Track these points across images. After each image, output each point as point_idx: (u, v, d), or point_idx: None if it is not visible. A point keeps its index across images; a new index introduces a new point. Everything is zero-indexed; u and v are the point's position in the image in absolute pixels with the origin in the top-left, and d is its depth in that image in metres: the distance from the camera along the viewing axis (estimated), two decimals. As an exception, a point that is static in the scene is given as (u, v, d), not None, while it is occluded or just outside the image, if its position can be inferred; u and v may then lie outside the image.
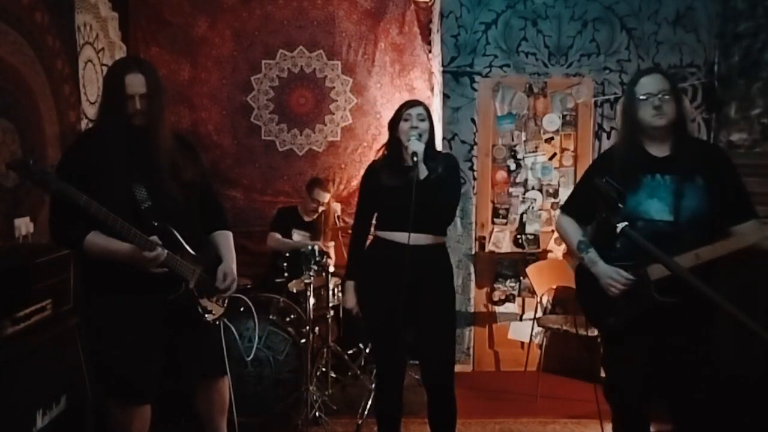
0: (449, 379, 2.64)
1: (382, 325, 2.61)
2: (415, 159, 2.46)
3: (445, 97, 4.22)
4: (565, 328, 3.82)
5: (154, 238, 2.15)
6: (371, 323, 2.71)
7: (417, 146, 2.48)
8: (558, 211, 2.70)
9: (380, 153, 2.74)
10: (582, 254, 2.35)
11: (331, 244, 4.22)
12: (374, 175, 2.67)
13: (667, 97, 2.21)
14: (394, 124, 2.63)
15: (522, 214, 4.29)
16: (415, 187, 2.41)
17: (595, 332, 3.41)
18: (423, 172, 2.48)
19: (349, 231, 4.38)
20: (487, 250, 4.30)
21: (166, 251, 2.17)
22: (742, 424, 2.89)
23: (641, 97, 2.23)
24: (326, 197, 4.12)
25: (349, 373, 3.84)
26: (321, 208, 4.15)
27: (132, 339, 2.22)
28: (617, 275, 2.23)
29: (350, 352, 3.93)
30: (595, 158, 2.69)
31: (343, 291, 2.84)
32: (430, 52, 4.44)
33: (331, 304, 3.65)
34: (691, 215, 2.18)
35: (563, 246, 4.09)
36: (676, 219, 2.18)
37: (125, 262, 2.14)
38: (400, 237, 2.50)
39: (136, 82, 2.18)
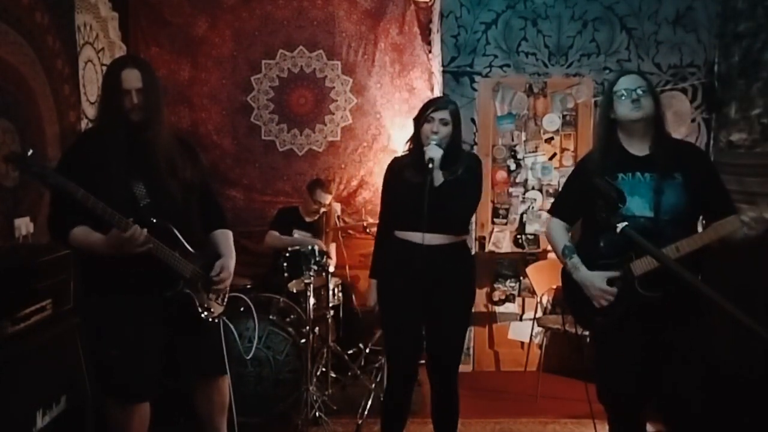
0: (453, 375, 2.66)
1: (398, 323, 2.61)
2: (430, 166, 2.42)
3: (445, 97, 4.22)
4: (565, 328, 3.82)
5: (131, 220, 2.12)
6: (388, 321, 2.70)
7: (434, 152, 2.44)
8: (542, 213, 2.73)
9: (406, 147, 2.70)
10: (566, 259, 2.39)
11: (332, 244, 4.23)
12: (396, 171, 2.66)
13: (644, 92, 2.26)
14: (418, 123, 2.59)
15: (522, 214, 4.29)
16: (429, 193, 2.38)
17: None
18: (438, 179, 2.46)
19: (349, 231, 4.43)
20: (487, 250, 4.30)
21: (145, 230, 2.13)
22: (742, 424, 2.90)
23: (619, 94, 2.28)
24: (328, 198, 4.12)
25: (349, 373, 3.84)
26: (323, 209, 4.15)
27: (131, 338, 2.23)
28: (603, 286, 2.24)
29: (350, 352, 3.93)
30: (578, 161, 2.71)
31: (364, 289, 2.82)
32: (430, 52, 4.44)
33: (331, 304, 3.65)
34: (671, 211, 2.22)
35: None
36: (656, 215, 2.22)
37: (106, 250, 2.13)
38: (416, 237, 2.48)
39: (132, 77, 2.20)
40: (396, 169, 2.67)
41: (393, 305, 2.64)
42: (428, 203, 2.36)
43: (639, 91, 2.25)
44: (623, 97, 2.27)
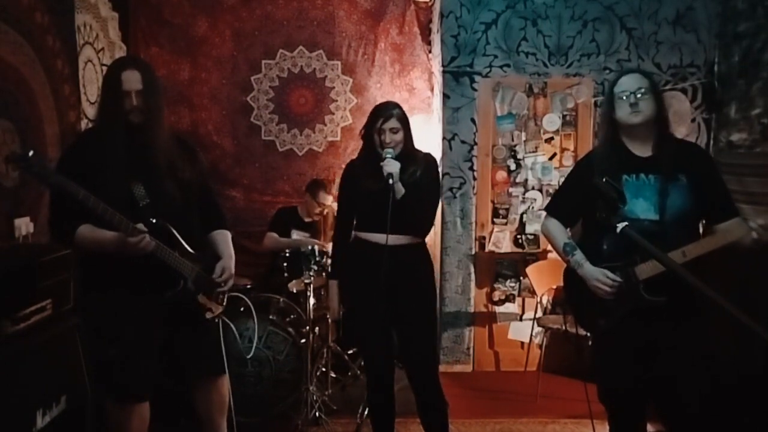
0: (432, 376, 2.67)
1: (366, 326, 2.63)
2: (390, 182, 2.43)
3: (445, 97, 4.22)
4: (565, 328, 3.82)
5: (140, 225, 2.15)
6: (357, 327, 2.73)
7: (391, 167, 2.45)
8: (542, 213, 2.72)
9: (359, 152, 2.72)
10: (568, 256, 2.37)
11: (330, 244, 4.22)
12: (353, 177, 2.67)
13: (644, 95, 2.22)
14: (368, 134, 2.60)
15: (522, 214, 4.29)
16: (392, 205, 2.40)
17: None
18: (399, 191, 2.48)
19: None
20: (487, 250, 4.30)
21: (148, 236, 2.15)
22: (741, 424, 2.90)
23: (619, 95, 2.25)
24: (330, 199, 4.13)
25: (349, 373, 3.84)
26: (326, 211, 4.16)
27: (130, 337, 2.23)
28: (604, 278, 2.23)
29: (350, 352, 3.93)
30: (578, 160, 2.69)
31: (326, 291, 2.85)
32: (430, 52, 4.44)
33: (331, 304, 3.65)
34: (676, 214, 2.20)
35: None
36: (661, 218, 2.20)
37: (113, 249, 2.14)
38: (379, 238, 2.51)
39: (132, 79, 2.20)
40: (352, 174, 2.68)
41: (360, 309, 2.66)
42: (391, 214, 2.38)
43: (638, 94, 2.22)
44: (622, 100, 2.24)
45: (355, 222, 2.71)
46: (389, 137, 2.54)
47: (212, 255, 2.48)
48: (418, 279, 2.66)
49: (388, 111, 2.58)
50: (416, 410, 2.73)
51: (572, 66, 4.20)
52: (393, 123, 2.55)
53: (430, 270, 2.74)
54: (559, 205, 2.55)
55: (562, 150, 4.26)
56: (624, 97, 2.24)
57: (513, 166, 4.28)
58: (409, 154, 2.59)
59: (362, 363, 3.86)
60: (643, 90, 2.23)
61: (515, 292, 4.34)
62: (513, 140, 4.27)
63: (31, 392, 2.04)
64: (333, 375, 3.77)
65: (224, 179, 4.45)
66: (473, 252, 4.31)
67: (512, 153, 4.27)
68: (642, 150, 2.29)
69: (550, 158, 4.26)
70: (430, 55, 4.43)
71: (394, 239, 2.47)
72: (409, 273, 2.59)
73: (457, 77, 4.22)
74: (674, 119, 4.11)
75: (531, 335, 4.21)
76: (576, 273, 2.34)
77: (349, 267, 2.70)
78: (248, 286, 3.68)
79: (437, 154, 4.23)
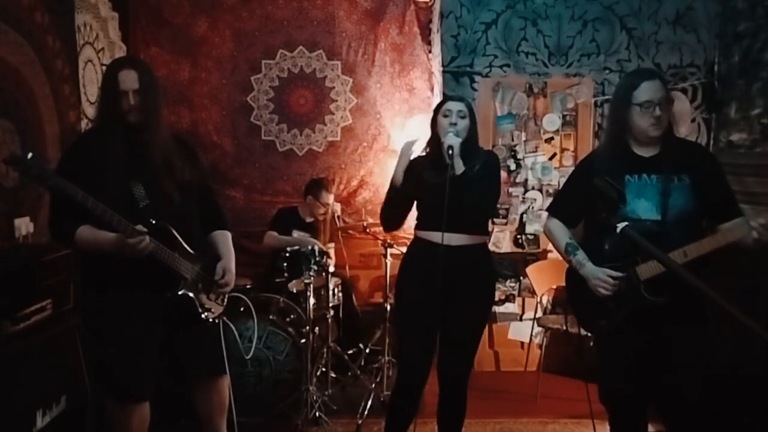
0: (464, 382, 2.65)
1: (414, 325, 2.59)
2: (450, 153, 2.42)
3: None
4: (565, 328, 3.82)
5: (140, 226, 2.15)
6: (404, 322, 2.70)
7: (453, 140, 2.45)
8: (542, 213, 2.71)
9: (425, 150, 2.70)
10: (570, 257, 2.36)
11: (331, 244, 4.23)
12: (415, 169, 2.62)
13: (665, 105, 2.20)
14: (434, 120, 2.60)
15: (522, 214, 4.29)
16: (449, 182, 2.37)
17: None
18: (459, 167, 2.44)
19: (349, 231, 4.43)
20: (487, 250, 4.30)
21: (147, 237, 2.15)
22: (741, 425, 2.90)
23: (641, 105, 2.20)
24: (331, 198, 4.13)
25: (349, 373, 3.84)
26: (330, 209, 4.16)
27: (130, 337, 2.23)
28: (605, 276, 2.23)
29: (350, 352, 3.93)
30: (580, 160, 2.69)
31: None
32: (430, 52, 4.44)
33: (331, 304, 3.65)
34: (679, 214, 2.19)
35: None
36: (663, 218, 2.19)
37: (112, 251, 2.14)
38: (437, 237, 2.46)
39: (129, 78, 2.20)
40: (414, 170, 2.63)
41: (410, 309, 2.62)
42: (448, 195, 2.34)
43: (661, 107, 2.17)
44: (643, 109, 2.19)
45: (415, 221, 2.69)
46: (455, 118, 2.53)
47: (212, 255, 2.48)
48: (476, 282, 2.60)
49: (457, 96, 2.65)
50: (426, 409, 2.70)
51: (572, 66, 4.21)
52: (461, 106, 2.56)
53: (490, 270, 2.68)
54: (561, 206, 2.55)
55: (562, 150, 4.26)
56: (647, 109, 2.19)
57: (513, 166, 4.28)
58: (471, 147, 2.57)
59: (362, 363, 3.88)
60: (663, 100, 2.19)
61: (515, 292, 4.35)
62: (513, 140, 4.27)
63: (31, 392, 2.04)
64: (333, 375, 3.76)
65: (224, 179, 4.44)
66: (473, 252, 4.30)
67: (512, 153, 4.27)
68: (645, 150, 2.28)
69: (550, 158, 4.27)
70: (430, 55, 4.43)
71: (450, 239, 2.43)
72: (467, 275, 2.54)
73: (457, 77, 4.22)
74: (674, 119, 4.13)
75: (531, 335, 4.21)
76: (578, 274, 2.34)
77: (407, 265, 2.67)
78: (248, 286, 3.68)
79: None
